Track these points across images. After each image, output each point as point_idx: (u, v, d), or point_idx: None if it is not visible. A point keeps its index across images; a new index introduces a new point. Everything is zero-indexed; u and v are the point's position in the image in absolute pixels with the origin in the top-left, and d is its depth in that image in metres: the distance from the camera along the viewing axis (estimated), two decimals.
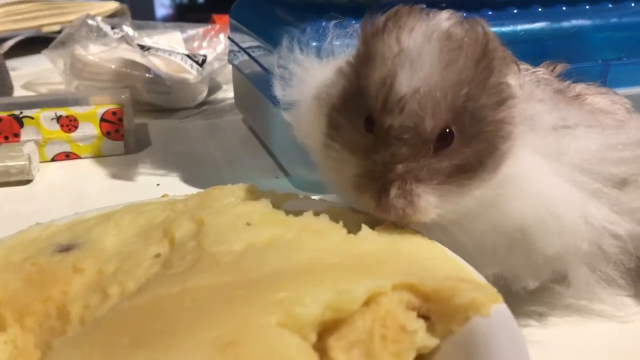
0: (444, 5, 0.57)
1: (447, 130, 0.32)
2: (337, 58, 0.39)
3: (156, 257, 0.32)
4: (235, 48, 0.70)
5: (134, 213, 0.36)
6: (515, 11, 0.57)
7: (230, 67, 0.75)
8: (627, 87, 0.53)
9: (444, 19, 0.33)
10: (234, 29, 0.71)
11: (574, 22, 0.56)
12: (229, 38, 0.72)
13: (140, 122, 0.75)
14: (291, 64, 0.40)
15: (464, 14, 0.34)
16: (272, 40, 0.56)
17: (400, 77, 0.31)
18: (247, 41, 0.65)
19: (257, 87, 0.61)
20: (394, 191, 0.32)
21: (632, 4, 0.59)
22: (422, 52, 0.31)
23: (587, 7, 0.58)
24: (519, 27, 0.55)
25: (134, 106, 0.72)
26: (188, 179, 0.61)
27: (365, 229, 0.33)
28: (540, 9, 0.57)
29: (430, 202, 0.32)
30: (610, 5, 0.58)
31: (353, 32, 0.42)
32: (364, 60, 0.34)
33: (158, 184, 0.59)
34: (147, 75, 0.77)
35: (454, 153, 0.32)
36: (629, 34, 0.56)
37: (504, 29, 0.54)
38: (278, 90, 0.41)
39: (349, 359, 0.27)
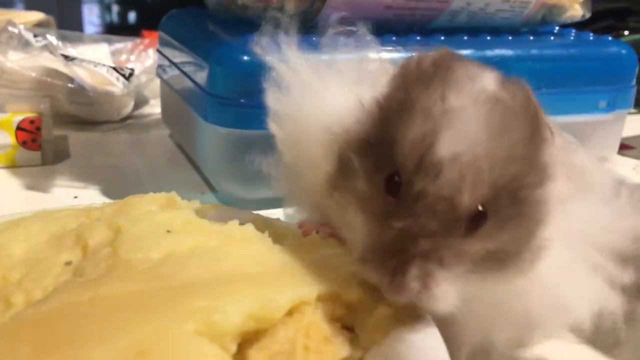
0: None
1: (482, 208, 0.27)
2: (349, 81, 0.34)
3: (67, 264, 0.30)
4: (165, 62, 0.68)
5: (46, 219, 0.34)
6: (442, 38, 0.59)
7: (158, 81, 0.74)
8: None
9: (491, 78, 0.29)
10: (163, 42, 0.69)
11: (497, 52, 0.58)
12: (158, 51, 0.70)
13: (60, 134, 0.72)
14: (284, 70, 0.35)
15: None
16: (203, 55, 0.55)
17: (443, 138, 0.27)
18: (178, 56, 0.64)
19: (186, 101, 0.60)
20: (413, 271, 0.26)
21: (552, 37, 0.63)
22: (471, 114, 0.27)
23: (510, 37, 0.60)
24: None
25: (55, 117, 0.69)
26: (108, 193, 0.58)
27: (290, 239, 0.32)
28: (465, 37, 0.59)
29: (448, 293, 0.27)
30: (531, 38, 0.61)
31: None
32: (399, 107, 0.29)
33: (76, 197, 0.57)
34: (69, 85, 0.74)
35: (486, 237, 0.28)
36: (548, 65, 0.59)
37: None
38: (271, 98, 0.35)
39: None
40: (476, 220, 0.27)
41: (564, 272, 0.29)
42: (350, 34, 0.37)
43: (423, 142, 0.27)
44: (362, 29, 0.37)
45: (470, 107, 0.28)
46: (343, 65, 0.35)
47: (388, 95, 0.31)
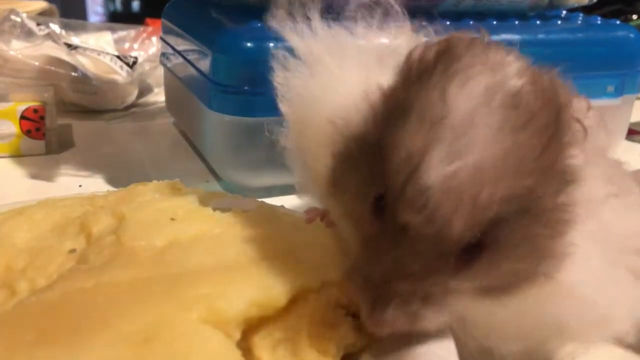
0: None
1: (477, 238, 0.23)
2: (369, 62, 0.29)
3: (71, 252, 0.30)
4: (168, 50, 0.68)
5: (49, 208, 0.34)
6: (448, 23, 0.58)
7: (162, 69, 0.73)
8: None
9: (514, 72, 0.24)
10: (166, 30, 0.69)
11: (504, 36, 0.57)
12: (162, 39, 0.70)
13: (64, 123, 0.72)
14: (297, 43, 0.31)
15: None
16: (206, 43, 0.55)
17: (432, 157, 0.22)
18: (181, 43, 0.63)
19: (190, 89, 0.60)
20: (390, 311, 0.24)
21: (559, 22, 0.62)
22: (474, 122, 0.22)
23: (517, 22, 0.59)
24: None
25: (59, 106, 0.68)
26: (113, 182, 0.58)
27: (295, 226, 0.32)
28: (471, 22, 0.58)
29: (438, 319, 0.25)
30: (538, 22, 0.60)
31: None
32: (397, 106, 0.25)
33: (80, 185, 0.57)
34: (73, 74, 0.73)
35: (479, 272, 0.24)
36: (555, 50, 0.58)
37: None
38: (278, 75, 0.31)
39: (274, 358, 0.26)
40: (469, 253, 0.23)
41: (596, 279, 0.25)
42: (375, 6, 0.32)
43: (410, 160, 0.22)
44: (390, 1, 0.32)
45: (478, 109, 0.22)
46: (366, 42, 0.30)
47: (390, 90, 0.26)
